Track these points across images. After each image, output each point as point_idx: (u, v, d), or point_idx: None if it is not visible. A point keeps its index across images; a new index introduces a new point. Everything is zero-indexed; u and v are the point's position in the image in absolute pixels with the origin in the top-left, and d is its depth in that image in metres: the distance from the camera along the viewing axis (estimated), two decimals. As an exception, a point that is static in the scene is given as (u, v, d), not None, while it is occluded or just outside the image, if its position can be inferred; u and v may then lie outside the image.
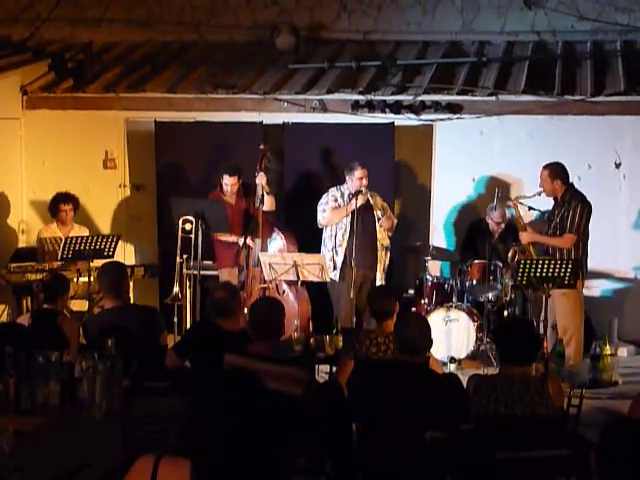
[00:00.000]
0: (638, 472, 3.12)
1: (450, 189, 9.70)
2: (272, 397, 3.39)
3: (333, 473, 4.71)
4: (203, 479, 2.94)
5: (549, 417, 4.80)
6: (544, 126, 9.42)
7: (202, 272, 8.48)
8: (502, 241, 9.06)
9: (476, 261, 8.77)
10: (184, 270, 8.66)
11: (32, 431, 4.25)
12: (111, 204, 10.24)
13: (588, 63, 9.99)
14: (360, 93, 9.64)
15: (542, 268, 7.51)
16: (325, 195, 8.86)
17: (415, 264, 9.70)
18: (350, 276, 8.45)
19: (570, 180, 8.21)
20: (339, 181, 9.05)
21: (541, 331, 7.55)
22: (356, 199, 8.44)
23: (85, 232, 9.22)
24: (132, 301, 8.22)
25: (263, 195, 8.66)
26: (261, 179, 8.65)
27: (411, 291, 9.41)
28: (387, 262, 8.90)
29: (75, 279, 8.57)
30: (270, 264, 8.09)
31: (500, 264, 8.63)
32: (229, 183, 8.77)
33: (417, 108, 9.50)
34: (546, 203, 8.47)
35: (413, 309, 8.89)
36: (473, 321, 8.52)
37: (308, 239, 8.99)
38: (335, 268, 8.64)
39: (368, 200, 8.71)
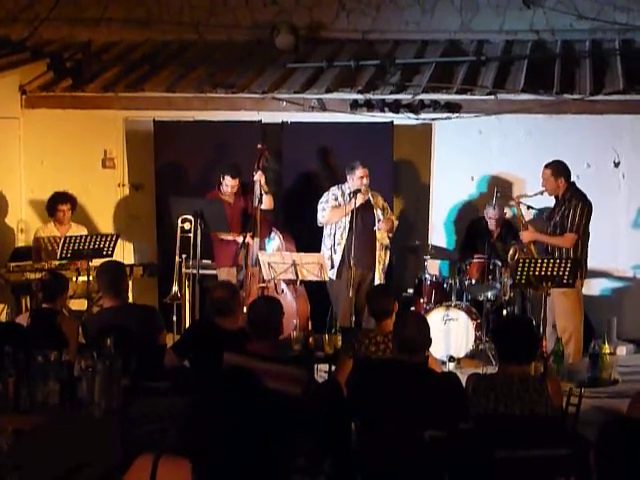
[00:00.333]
0: (637, 471, 3.12)
1: (449, 188, 9.70)
2: (271, 396, 3.39)
3: (332, 472, 4.71)
4: (203, 478, 2.94)
5: (548, 416, 4.80)
6: (543, 125, 9.42)
7: (201, 271, 8.48)
8: (501, 240, 9.06)
9: (475, 260, 8.77)
10: (183, 269, 8.66)
11: (31, 430, 4.25)
12: (110, 203, 10.24)
13: (587, 62, 9.99)
14: (359, 92, 9.64)
15: (541, 267, 7.50)
16: (326, 194, 8.86)
17: (414, 263, 9.70)
18: (348, 275, 8.45)
19: (572, 179, 8.21)
20: (338, 180, 9.05)
21: (540, 330, 7.55)
22: (355, 198, 8.43)
23: (83, 231, 9.21)
24: (131, 300, 8.22)
25: (261, 194, 8.66)
26: (259, 178, 8.64)
27: (410, 290, 9.42)
28: (387, 261, 8.89)
29: (74, 278, 8.56)
30: (269, 263, 8.09)
31: (499, 263, 8.64)
32: (230, 184, 8.77)
33: (416, 107, 9.51)
34: (545, 202, 8.47)
35: (412, 308, 8.90)
36: (472, 320, 8.52)
37: (307, 238, 9.00)
38: (333, 267, 8.65)
39: (369, 199, 8.71)
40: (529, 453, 4.59)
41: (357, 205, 8.45)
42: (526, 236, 8.24)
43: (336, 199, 8.77)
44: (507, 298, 8.60)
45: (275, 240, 8.80)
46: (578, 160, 9.17)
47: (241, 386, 3.11)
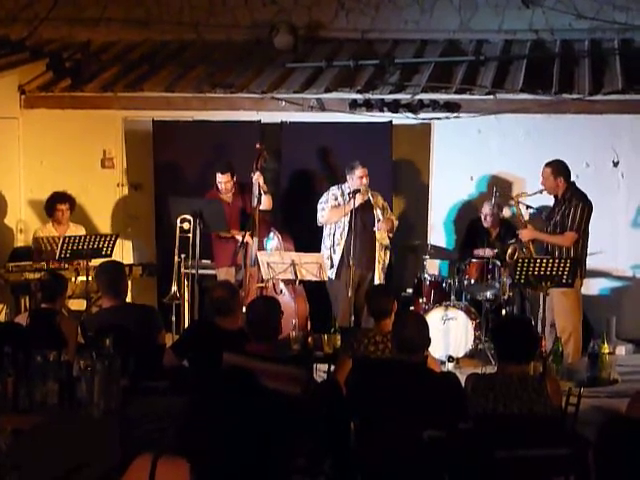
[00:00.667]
0: (636, 470, 3.12)
1: (448, 188, 9.71)
2: (270, 396, 3.38)
3: (332, 472, 4.71)
4: (202, 479, 2.94)
5: (547, 416, 4.80)
6: (542, 125, 9.42)
7: (200, 271, 8.48)
8: (500, 240, 9.06)
9: (474, 260, 8.77)
10: (182, 269, 8.65)
11: (30, 430, 4.25)
12: (109, 203, 10.25)
13: (586, 62, 9.99)
14: (358, 92, 9.64)
15: (540, 267, 7.50)
16: (325, 194, 8.87)
17: (414, 263, 9.69)
18: (347, 275, 8.46)
19: (571, 178, 8.21)
20: (337, 180, 9.06)
21: (539, 330, 7.55)
22: (355, 198, 8.44)
23: (81, 231, 9.21)
24: (130, 300, 8.22)
25: (260, 194, 8.66)
26: (258, 178, 8.64)
27: (409, 290, 9.42)
28: (387, 261, 8.89)
29: (73, 278, 8.57)
30: (268, 263, 8.09)
31: (498, 263, 8.64)
32: (222, 181, 8.79)
33: (415, 107, 9.51)
34: (544, 201, 8.48)
35: (411, 308, 8.89)
36: (471, 320, 8.52)
37: (306, 238, 9.00)
38: (332, 266, 8.65)
39: (369, 199, 8.71)
40: (528, 453, 4.59)
41: (357, 205, 8.46)
42: (525, 235, 8.24)
43: (336, 199, 8.77)
44: (506, 298, 8.61)
45: (274, 240, 8.80)
46: (577, 160, 9.17)
47: (240, 386, 3.11)
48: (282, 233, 8.87)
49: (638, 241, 9.41)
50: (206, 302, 6.53)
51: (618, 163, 9.41)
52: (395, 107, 9.52)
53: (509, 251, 8.34)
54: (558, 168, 8.12)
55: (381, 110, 9.56)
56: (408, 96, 9.58)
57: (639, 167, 9.37)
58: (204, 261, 8.76)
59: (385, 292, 6.52)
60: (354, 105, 9.60)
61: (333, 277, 8.65)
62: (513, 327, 5.18)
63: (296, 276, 8.01)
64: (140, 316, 6.20)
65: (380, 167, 9.30)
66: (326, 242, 8.79)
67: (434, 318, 8.37)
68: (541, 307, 7.71)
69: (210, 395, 3.10)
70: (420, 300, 8.88)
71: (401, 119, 9.59)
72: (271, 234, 8.82)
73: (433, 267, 9.45)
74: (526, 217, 8.49)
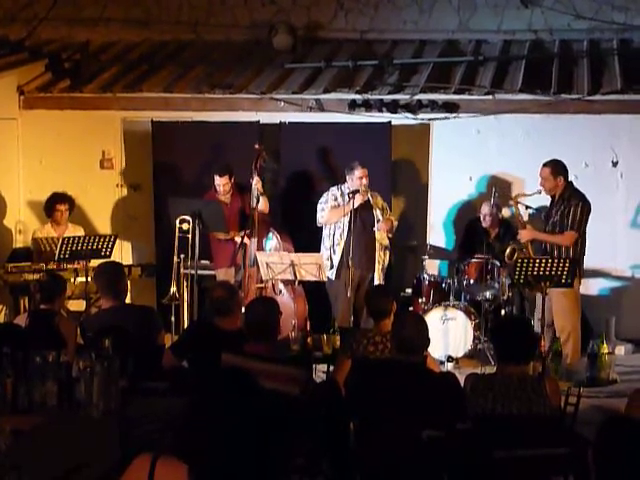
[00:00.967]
0: (635, 470, 3.12)
1: (447, 188, 9.71)
2: (268, 396, 3.38)
3: (330, 472, 4.71)
4: (201, 479, 2.94)
5: (546, 416, 4.81)
6: (541, 125, 9.43)
7: (199, 272, 8.48)
8: (499, 240, 9.07)
9: (473, 260, 8.77)
10: (181, 270, 8.65)
11: (30, 430, 4.25)
12: (108, 204, 10.24)
13: (585, 62, 10.00)
14: (357, 92, 9.64)
15: (540, 267, 7.51)
16: (325, 194, 8.87)
17: (413, 263, 9.70)
18: (347, 275, 8.45)
19: (570, 178, 8.22)
20: (336, 180, 9.06)
21: (538, 330, 7.55)
22: (354, 198, 8.44)
23: (80, 232, 9.21)
24: (129, 301, 8.21)
25: (258, 196, 8.65)
26: (257, 183, 8.63)
27: (409, 290, 9.42)
28: (386, 262, 8.89)
29: (72, 279, 8.57)
30: (267, 263, 8.09)
31: (497, 263, 8.63)
32: (220, 183, 8.79)
33: (414, 107, 9.51)
34: (543, 201, 8.48)
35: (411, 308, 8.90)
36: (470, 320, 8.52)
37: (305, 238, 9.00)
38: (332, 267, 8.65)
39: (368, 200, 8.71)
40: (527, 453, 4.59)
41: (356, 205, 8.46)
42: (525, 235, 8.23)
43: (335, 199, 8.77)
44: (505, 298, 8.61)
45: (273, 240, 8.80)
46: (576, 160, 9.18)
47: (238, 387, 3.11)
48: (281, 233, 8.87)
49: (637, 241, 9.42)
50: (205, 303, 6.53)
51: (617, 163, 9.41)
52: (394, 107, 9.52)
53: (508, 251, 8.34)
54: (557, 168, 8.12)
55: (380, 110, 9.56)
56: (407, 96, 9.58)
57: (638, 167, 9.37)
58: (203, 262, 8.76)
59: (384, 292, 6.53)
60: (353, 105, 9.60)
61: (333, 277, 8.65)
62: (512, 327, 5.18)
63: (295, 276, 8.01)
64: (139, 317, 6.20)
65: (379, 167, 9.30)
66: (326, 242, 8.79)
67: (433, 318, 8.37)
68: (540, 307, 7.71)
69: (208, 396, 3.10)
70: (419, 300, 8.89)
71: (400, 119, 9.59)
72: (270, 234, 8.82)
73: (432, 267, 9.46)
74: (525, 217, 8.49)
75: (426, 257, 9.01)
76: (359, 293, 8.59)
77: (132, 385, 4.94)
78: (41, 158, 10.13)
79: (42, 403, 4.56)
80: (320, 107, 9.69)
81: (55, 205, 9.27)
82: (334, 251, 8.71)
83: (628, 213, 9.46)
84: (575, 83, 9.54)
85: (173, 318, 8.40)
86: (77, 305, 8.62)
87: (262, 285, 8.60)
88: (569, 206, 8.02)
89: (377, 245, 8.76)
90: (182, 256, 8.56)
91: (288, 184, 9.92)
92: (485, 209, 9.11)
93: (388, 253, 8.91)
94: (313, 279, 8.09)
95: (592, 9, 10.81)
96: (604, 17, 10.75)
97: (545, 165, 8.17)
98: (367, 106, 9.58)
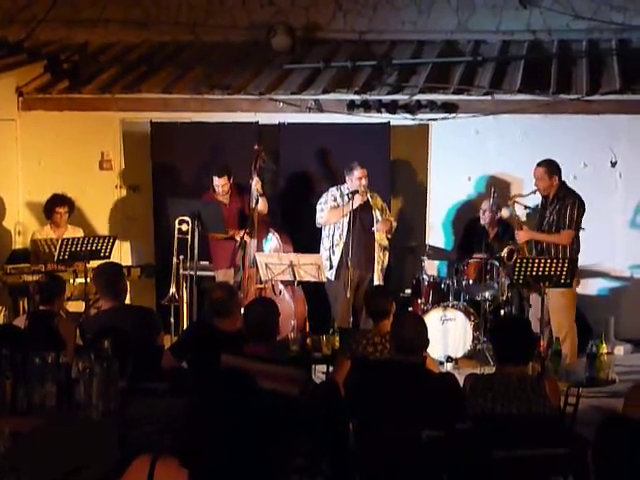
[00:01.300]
0: (635, 470, 3.12)
1: (446, 189, 9.71)
2: (267, 397, 3.38)
3: (330, 473, 4.71)
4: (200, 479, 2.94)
5: (546, 416, 4.81)
6: (540, 125, 9.43)
7: (199, 273, 8.48)
8: (498, 240, 9.06)
9: (472, 260, 8.77)
10: (180, 271, 8.65)
11: (29, 432, 4.25)
12: (107, 205, 10.24)
13: (583, 62, 10.00)
14: (356, 93, 9.64)
15: (539, 267, 7.51)
16: (325, 194, 8.87)
17: (412, 264, 9.70)
18: (346, 275, 8.45)
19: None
20: (335, 181, 9.06)
21: (537, 330, 7.55)
22: (353, 199, 8.44)
23: (79, 233, 9.20)
24: (128, 302, 8.21)
25: (257, 197, 8.65)
26: (256, 184, 8.63)
27: (408, 291, 9.43)
28: (386, 262, 8.89)
29: (71, 280, 8.57)
30: (266, 264, 8.08)
31: (496, 263, 8.64)
32: (219, 184, 8.79)
33: (413, 108, 9.51)
34: (536, 201, 8.48)
35: (410, 309, 8.90)
36: (470, 320, 8.52)
37: (305, 239, 9.00)
38: (331, 267, 8.65)
39: (367, 200, 8.71)
40: (527, 453, 4.59)
41: (355, 206, 8.47)
42: (522, 236, 8.24)
43: (335, 200, 8.77)
44: (505, 298, 8.61)
45: (272, 240, 8.80)
46: (575, 160, 9.20)
47: (236, 387, 3.11)
48: (281, 234, 8.87)
49: (636, 241, 9.42)
50: (205, 304, 6.53)
51: (616, 163, 9.42)
52: (393, 108, 9.52)
53: (505, 253, 8.35)
54: (551, 167, 8.14)
55: (379, 111, 9.56)
56: (406, 97, 9.58)
57: (637, 167, 9.38)
58: (202, 262, 8.75)
59: (384, 293, 6.53)
60: (352, 106, 9.60)
61: (332, 278, 8.65)
62: (511, 327, 5.18)
63: (294, 277, 8.00)
64: (139, 318, 6.19)
65: (378, 168, 9.30)
66: (325, 243, 8.79)
67: (433, 319, 8.37)
68: (539, 307, 7.70)
69: (207, 396, 3.10)
70: (419, 301, 8.89)
71: (399, 120, 9.59)
72: (270, 235, 8.82)
73: (431, 268, 9.46)
74: (523, 218, 8.50)
75: (425, 258, 9.01)
76: (358, 294, 8.58)
77: (131, 386, 4.94)
78: (40, 159, 10.13)
79: (41, 404, 4.56)
80: (319, 108, 9.69)
81: (55, 207, 9.27)
82: (333, 252, 8.71)
83: (627, 213, 9.46)
84: (574, 83, 9.54)
85: (172, 319, 8.40)
86: (76, 306, 8.62)
87: (262, 286, 8.60)
88: (565, 205, 8.04)
89: (376, 246, 8.76)
90: (181, 257, 8.56)
91: (287, 185, 9.92)
92: (485, 205, 9.11)
93: (387, 254, 8.91)
94: (312, 280, 8.09)
95: (591, 9, 10.81)
96: (603, 17, 10.76)
97: (539, 165, 8.18)
98: (366, 107, 9.58)
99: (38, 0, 11.37)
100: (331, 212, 8.72)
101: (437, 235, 9.79)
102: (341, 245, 8.65)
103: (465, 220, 9.55)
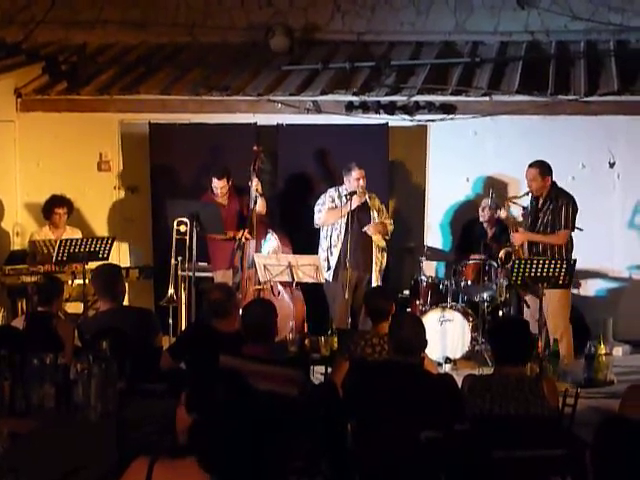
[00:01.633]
0: (633, 470, 3.12)
1: (444, 189, 9.71)
2: (264, 398, 3.39)
3: (329, 473, 4.71)
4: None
5: (544, 416, 4.81)
6: (538, 126, 9.43)
7: (197, 274, 8.48)
8: (496, 240, 9.06)
9: (470, 261, 8.78)
10: (179, 272, 8.66)
11: (28, 433, 4.25)
12: (105, 206, 10.24)
13: (582, 63, 10.00)
14: (354, 94, 9.65)
15: (537, 268, 7.51)
16: (323, 195, 8.88)
17: (410, 265, 9.70)
18: (344, 276, 8.45)
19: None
20: (334, 182, 9.07)
21: (535, 331, 7.55)
22: (351, 200, 8.44)
23: (78, 235, 9.20)
24: (127, 303, 8.21)
25: (256, 197, 8.66)
26: (256, 185, 8.63)
27: (406, 291, 9.42)
28: (384, 263, 8.89)
29: (70, 281, 8.56)
30: (265, 265, 8.08)
31: (495, 264, 8.64)
32: (218, 186, 8.80)
33: (411, 109, 9.52)
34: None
35: (408, 309, 8.89)
36: (468, 321, 8.52)
37: (303, 240, 9.00)
38: (329, 268, 8.65)
39: (366, 201, 8.71)
40: (525, 453, 4.59)
41: (354, 207, 8.47)
42: (518, 238, 8.26)
43: (333, 201, 8.77)
44: (503, 299, 8.61)
45: (271, 241, 8.80)
46: (573, 161, 9.21)
47: (229, 389, 3.12)
48: (279, 234, 8.87)
49: (634, 242, 9.43)
50: (203, 305, 6.53)
51: (614, 164, 9.42)
52: (391, 109, 9.53)
53: (502, 255, 8.36)
54: (544, 168, 8.18)
55: (377, 112, 9.57)
56: (404, 98, 9.59)
57: (635, 168, 9.38)
58: (201, 263, 8.75)
59: (385, 294, 6.51)
60: (350, 107, 9.61)
61: (330, 279, 8.65)
62: (510, 328, 5.18)
63: (293, 278, 8.01)
64: (137, 319, 6.20)
65: (376, 169, 9.31)
66: (323, 244, 8.80)
67: (431, 320, 8.37)
68: (537, 308, 7.71)
69: (203, 398, 3.11)
70: (417, 302, 8.89)
71: (397, 121, 9.60)
72: (269, 235, 8.82)
73: (430, 269, 9.46)
74: (520, 219, 8.51)
75: (423, 258, 9.01)
76: (357, 294, 8.59)
77: (130, 387, 4.94)
78: (38, 160, 10.12)
79: (40, 406, 4.56)
80: (317, 109, 9.69)
81: (53, 208, 9.26)
82: (331, 252, 8.72)
83: (625, 214, 9.46)
84: (572, 84, 9.54)
85: (171, 320, 8.41)
86: (75, 307, 8.62)
87: (260, 287, 8.60)
88: (559, 205, 8.07)
89: (374, 246, 8.76)
90: (180, 258, 8.56)
91: (286, 186, 9.92)
92: (485, 203, 9.11)
93: (385, 254, 8.91)
94: (311, 281, 8.09)
95: (589, 10, 10.81)
96: (601, 18, 10.76)
97: (531, 166, 8.21)
98: (364, 108, 9.58)
99: (36, 1, 11.37)
100: (329, 213, 8.73)
101: (435, 236, 9.79)
102: (339, 246, 8.66)
103: (463, 221, 9.55)
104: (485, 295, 8.67)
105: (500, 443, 4.59)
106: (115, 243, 8.77)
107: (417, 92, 9.58)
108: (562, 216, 8.04)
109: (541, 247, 8.18)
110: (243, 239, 8.55)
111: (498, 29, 11.05)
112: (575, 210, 8.09)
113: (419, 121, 9.62)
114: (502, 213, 8.75)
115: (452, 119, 9.53)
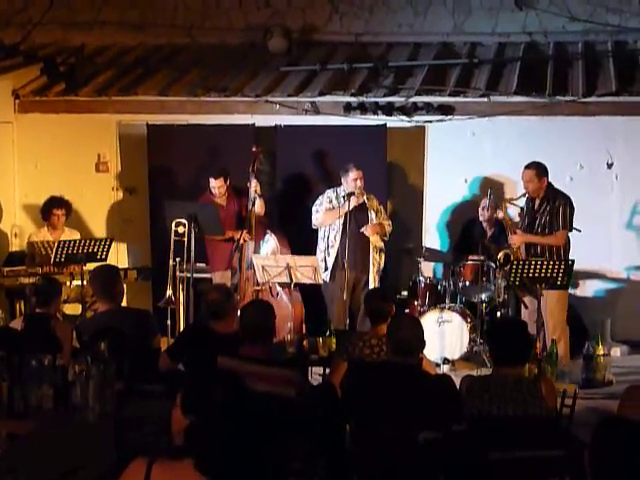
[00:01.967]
0: (631, 471, 3.12)
1: (442, 190, 9.71)
2: (261, 399, 3.39)
3: (327, 474, 4.71)
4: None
5: (542, 417, 4.81)
6: (536, 127, 9.43)
7: (195, 275, 8.48)
8: (494, 241, 9.07)
9: (469, 262, 8.78)
10: (177, 273, 8.65)
11: (26, 434, 4.25)
12: (104, 207, 10.23)
13: (579, 64, 10.01)
14: (352, 95, 9.65)
15: (535, 269, 7.52)
16: (320, 196, 8.89)
17: (409, 265, 9.71)
18: (341, 277, 8.46)
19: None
20: (332, 183, 9.07)
21: (533, 331, 7.56)
22: (349, 200, 8.45)
23: (76, 236, 9.20)
24: (125, 304, 8.21)
25: (255, 198, 8.66)
26: (255, 186, 8.63)
27: (404, 292, 9.42)
28: (382, 264, 8.89)
29: (68, 283, 8.57)
30: (263, 266, 8.08)
31: (493, 265, 8.64)
32: (215, 186, 8.81)
33: (409, 110, 9.52)
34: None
35: (406, 310, 8.89)
36: (466, 322, 8.53)
37: (301, 241, 9.01)
38: (326, 269, 8.65)
39: (364, 202, 8.71)
40: (523, 454, 4.59)
41: (351, 207, 8.47)
42: (516, 240, 8.27)
43: (330, 202, 8.78)
44: (501, 300, 8.61)
45: (270, 242, 8.80)
46: (571, 161, 9.22)
47: (227, 390, 3.12)
48: (278, 235, 8.87)
49: (632, 243, 9.43)
50: (201, 306, 6.53)
51: (612, 165, 9.42)
52: (389, 110, 9.54)
53: (501, 256, 8.36)
54: (540, 169, 8.20)
55: (375, 113, 9.57)
56: (402, 99, 9.59)
57: (633, 169, 9.38)
58: (199, 264, 8.75)
59: (384, 296, 6.51)
60: (348, 108, 9.61)
61: (327, 279, 8.65)
62: (508, 329, 5.18)
63: (291, 279, 8.00)
64: (135, 320, 6.20)
65: (374, 170, 9.31)
66: (320, 245, 8.80)
67: (429, 320, 8.37)
68: (535, 309, 7.71)
69: (201, 399, 3.11)
70: (415, 302, 8.89)
71: (395, 122, 9.60)
72: (267, 236, 8.82)
73: (428, 269, 9.46)
74: (517, 219, 8.52)
75: (421, 259, 9.01)
76: (355, 295, 8.59)
77: (128, 388, 4.95)
78: (36, 162, 10.12)
79: (38, 407, 4.57)
80: (315, 110, 9.70)
81: (52, 210, 9.26)
82: (328, 253, 8.72)
83: (623, 215, 9.46)
84: (570, 85, 9.55)
85: (169, 321, 8.40)
86: (73, 309, 8.62)
87: (259, 288, 8.61)
88: (556, 206, 8.09)
89: (372, 247, 8.76)
90: (178, 259, 8.56)
91: (284, 187, 9.92)
92: (484, 202, 9.11)
93: (383, 255, 8.91)
94: (309, 282, 8.09)
95: (586, 11, 10.82)
96: (598, 19, 10.77)
97: (528, 167, 8.23)
98: (362, 109, 9.59)
99: (34, 3, 11.38)
100: (326, 214, 8.73)
101: (433, 237, 9.79)
102: (336, 246, 8.66)
103: (461, 222, 9.56)
104: (483, 296, 8.67)
105: (498, 444, 4.59)
106: (113, 244, 8.78)
107: (415, 93, 9.58)
108: (559, 217, 8.05)
109: (539, 248, 8.19)
110: (242, 240, 8.55)
111: (496, 30, 11.05)
112: (572, 210, 8.12)
113: (417, 122, 9.62)
114: (500, 214, 8.76)
115: (450, 120, 9.54)
